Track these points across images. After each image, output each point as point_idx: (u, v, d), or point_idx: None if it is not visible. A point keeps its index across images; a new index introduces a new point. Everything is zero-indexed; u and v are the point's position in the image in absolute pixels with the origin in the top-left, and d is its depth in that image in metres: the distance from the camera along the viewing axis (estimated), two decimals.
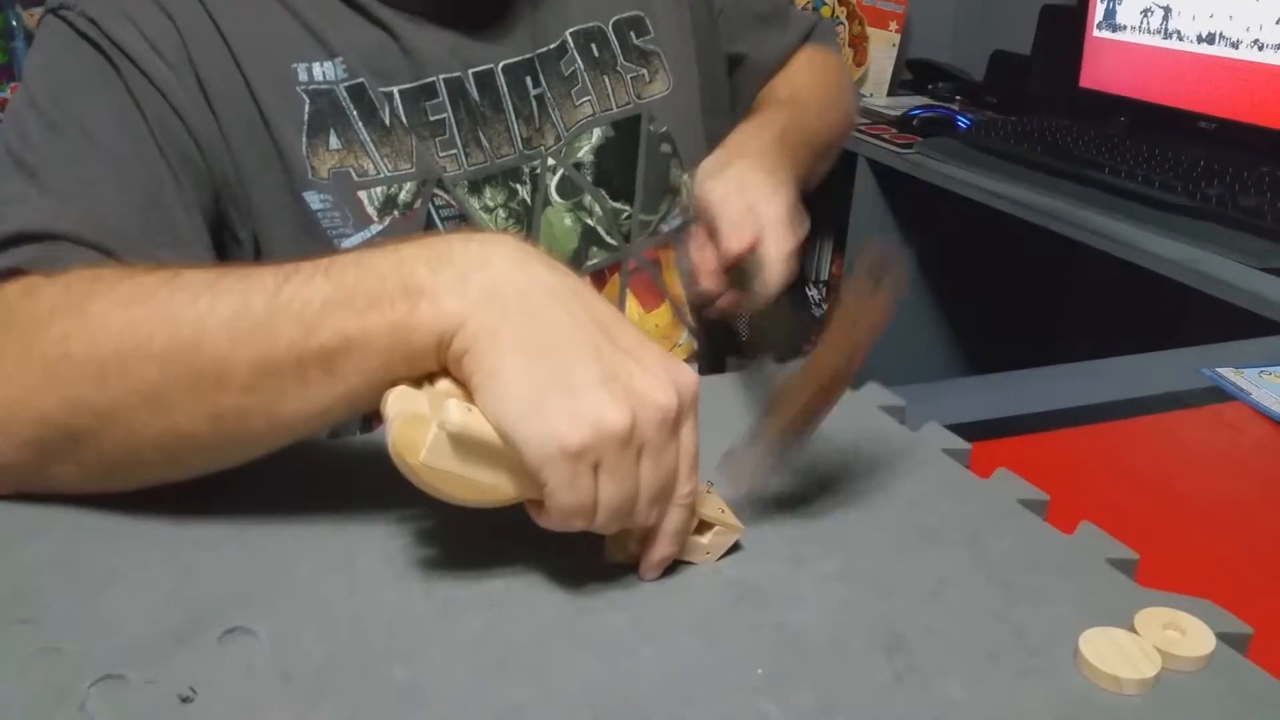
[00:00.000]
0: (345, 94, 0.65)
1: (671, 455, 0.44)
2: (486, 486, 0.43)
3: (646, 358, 0.43)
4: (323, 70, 0.65)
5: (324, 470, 0.55)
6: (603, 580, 0.47)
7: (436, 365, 0.44)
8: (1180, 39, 1.47)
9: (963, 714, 0.40)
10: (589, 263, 0.75)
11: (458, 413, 0.41)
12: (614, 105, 0.76)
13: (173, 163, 0.60)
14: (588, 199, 0.75)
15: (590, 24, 0.75)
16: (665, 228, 0.79)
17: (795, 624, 0.45)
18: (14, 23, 1.61)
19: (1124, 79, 1.57)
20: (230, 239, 0.66)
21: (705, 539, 0.48)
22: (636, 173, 0.77)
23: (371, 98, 0.66)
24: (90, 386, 0.45)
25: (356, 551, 0.48)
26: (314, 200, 0.65)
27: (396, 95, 0.67)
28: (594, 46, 0.75)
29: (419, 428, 0.41)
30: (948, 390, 0.78)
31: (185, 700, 0.39)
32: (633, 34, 0.77)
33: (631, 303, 0.78)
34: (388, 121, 0.67)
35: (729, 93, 0.89)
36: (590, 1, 0.76)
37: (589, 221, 0.75)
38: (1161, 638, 0.44)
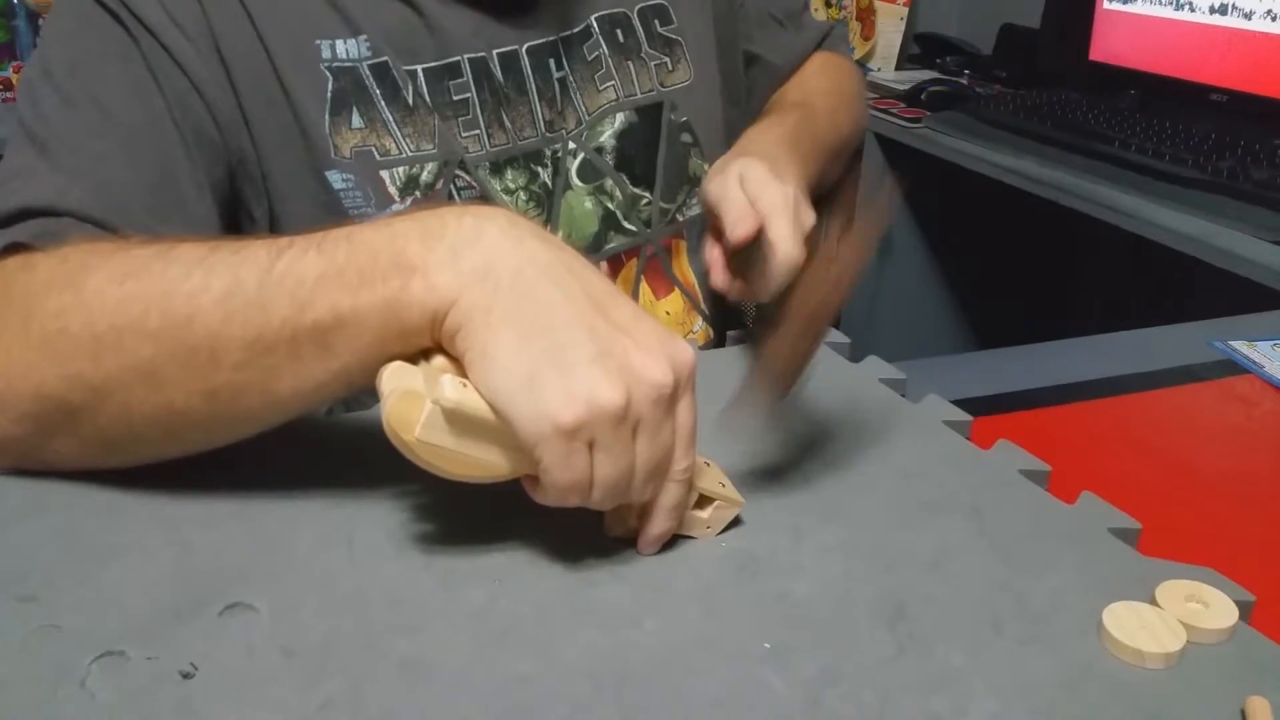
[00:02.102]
0: (369, 72, 0.65)
1: (667, 432, 0.43)
2: (482, 462, 0.43)
3: (642, 334, 0.43)
4: (346, 47, 0.64)
5: (323, 446, 0.55)
6: (603, 553, 0.47)
7: (430, 341, 0.44)
8: (1192, 10, 1.45)
9: (965, 683, 0.40)
10: (608, 246, 0.75)
11: (452, 389, 0.41)
12: (638, 91, 0.75)
13: (187, 138, 0.59)
14: (609, 183, 0.74)
15: (616, 9, 0.75)
16: (683, 216, 0.79)
17: (797, 595, 0.45)
18: (15, 1, 1.61)
19: (1135, 51, 1.55)
20: (245, 217, 0.65)
21: (705, 513, 0.48)
22: (657, 160, 0.76)
23: (395, 76, 0.65)
24: (86, 361, 0.45)
25: (356, 526, 0.48)
26: (336, 179, 0.64)
27: (420, 74, 0.66)
28: (619, 32, 0.75)
29: (414, 404, 0.41)
30: (951, 365, 0.78)
31: (186, 676, 0.39)
32: (657, 22, 0.77)
33: (644, 289, 0.77)
34: (411, 101, 0.66)
35: (746, 87, 0.89)
36: None
37: (609, 205, 0.74)
38: (1184, 610, 0.43)
